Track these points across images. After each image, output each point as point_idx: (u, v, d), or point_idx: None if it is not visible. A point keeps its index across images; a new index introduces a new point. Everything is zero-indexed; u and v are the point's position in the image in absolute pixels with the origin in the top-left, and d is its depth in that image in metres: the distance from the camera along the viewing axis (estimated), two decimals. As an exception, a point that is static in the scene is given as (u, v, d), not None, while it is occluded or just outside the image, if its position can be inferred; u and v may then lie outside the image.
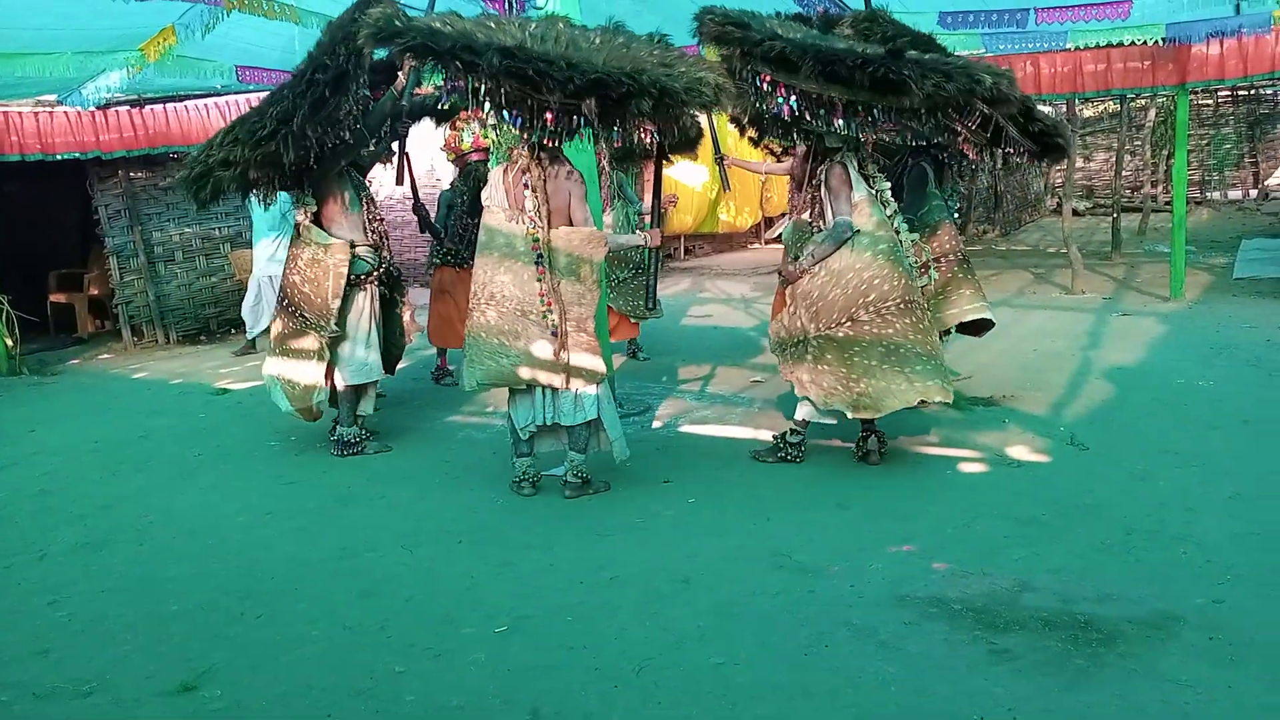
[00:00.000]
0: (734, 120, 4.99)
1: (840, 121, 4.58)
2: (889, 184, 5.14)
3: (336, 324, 5.48)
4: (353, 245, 5.54)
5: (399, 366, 6.34)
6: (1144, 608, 3.44)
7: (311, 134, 5.00)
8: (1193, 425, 5.54)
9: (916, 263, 5.03)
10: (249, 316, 8.86)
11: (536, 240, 4.59)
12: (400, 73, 5.06)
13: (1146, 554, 3.90)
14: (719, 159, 6.42)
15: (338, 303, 5.47)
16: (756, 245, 17.62)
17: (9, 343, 8.53)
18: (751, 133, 5.23)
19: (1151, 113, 17.41)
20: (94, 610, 3.84)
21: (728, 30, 4.56)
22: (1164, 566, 3.78)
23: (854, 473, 5.06)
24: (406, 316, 5.97)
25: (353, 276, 5.54)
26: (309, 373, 5.50)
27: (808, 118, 4.61)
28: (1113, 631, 3.28)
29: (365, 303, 5.65)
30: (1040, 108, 5.26)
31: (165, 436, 6.39)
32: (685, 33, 4.77)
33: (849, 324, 4.83)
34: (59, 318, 10.43)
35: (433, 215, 7.38)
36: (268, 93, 5.46)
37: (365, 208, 5.72)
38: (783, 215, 17.35)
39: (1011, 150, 4.91)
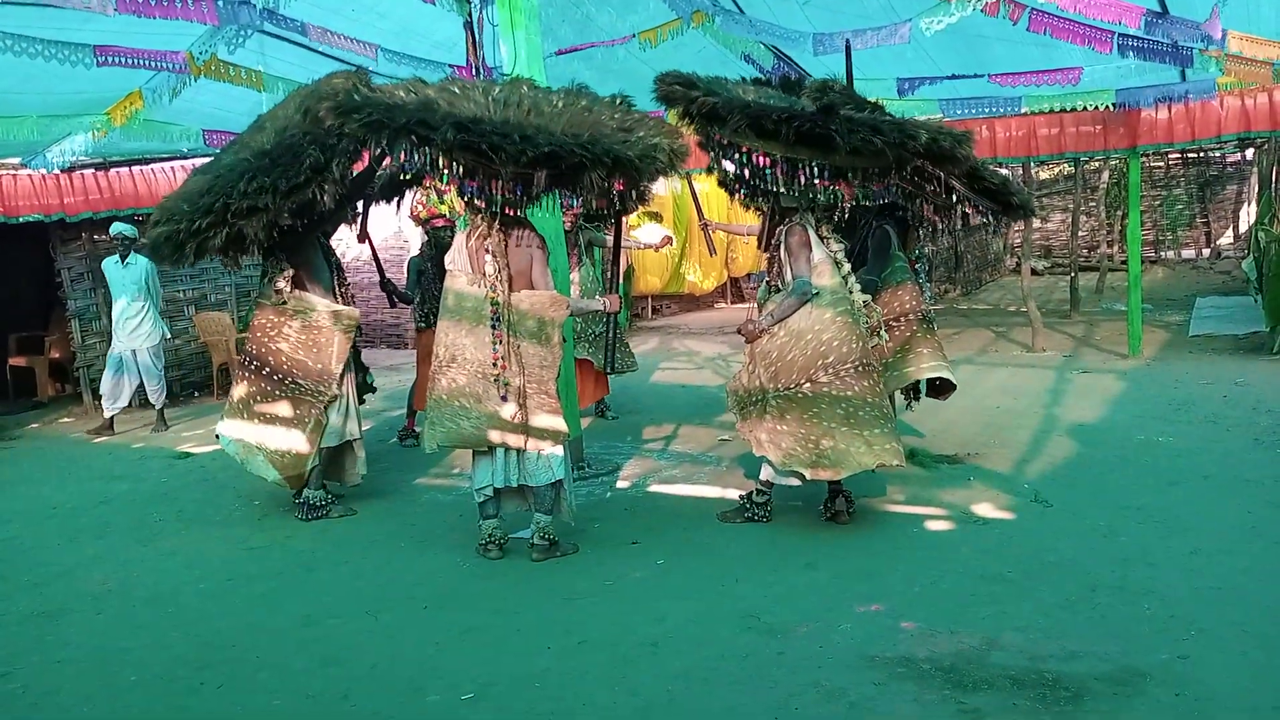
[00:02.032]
0: (722, 184, 5.07)
1: (780, 178, 4.67)
2: (843, 245, 5.20)
3: (339, 387, 5.50)
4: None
5: (364, 428, 6.29)
6: (1110, 664, 3.45)
7: (345, 184, 5.07)
8: (1154, 481, 5.60)
9: (868, 322, 5.09)
10: (109, 393, 8.40)
11: (495, 304, 4.61)
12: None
13: (1111, 610, 3.92)
14: (703, 225, 6.52)
15: (341, 367, 5.50)
16: (722, 305, 17.80)
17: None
18: (740, 197, 5.31)
19: (1105, 175, 17.84)
20: (48, 682, 3.74)
21: (674, 90, 4.67)
22: (1129, 622, 3.80)
23: (822, 532, 5.06)
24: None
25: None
26: (301, 440, 5.45)
27: (746, 175, 4.71)
28: (1080, 689, 3.29)
29: (347, 368, 5.66)
30: (995, 169, 5.38)
31: (125, 501, 6.29)
32: (647, 99, 4.86)
33: (808, 384, 4.85)
34: (18, 381, 10.28)
35: (402, 280, 7.39)
36: (249, 150, 5.22)
37: (333, 272, 5.73)
38: (749, 275, 17.59)
39: (972, 210, 4.99)
